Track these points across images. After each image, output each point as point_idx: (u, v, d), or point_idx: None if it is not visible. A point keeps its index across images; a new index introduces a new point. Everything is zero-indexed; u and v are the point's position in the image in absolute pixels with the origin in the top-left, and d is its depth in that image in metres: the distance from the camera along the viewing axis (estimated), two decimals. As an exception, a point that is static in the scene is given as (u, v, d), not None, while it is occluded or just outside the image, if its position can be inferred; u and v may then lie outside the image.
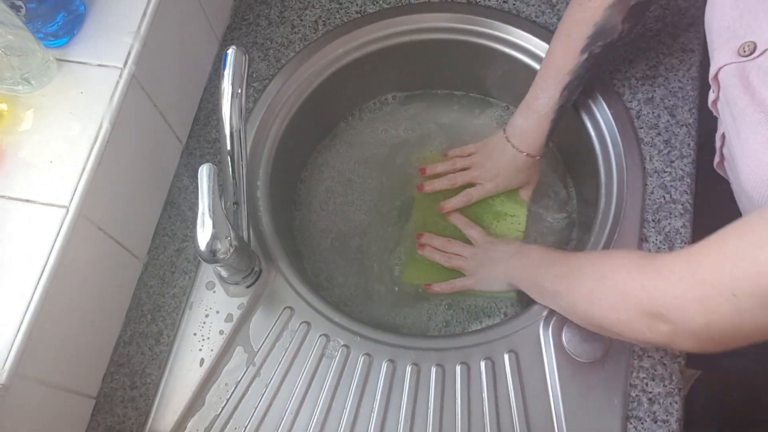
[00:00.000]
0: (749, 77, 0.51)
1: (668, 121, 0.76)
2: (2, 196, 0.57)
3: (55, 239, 0.55)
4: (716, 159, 0.62)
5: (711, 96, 0.58)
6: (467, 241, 0.84)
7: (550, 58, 0.73)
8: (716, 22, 0.56)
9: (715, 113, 0.59)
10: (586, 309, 0.57)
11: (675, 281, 0.47)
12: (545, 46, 0.80)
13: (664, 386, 0.65)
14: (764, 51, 0.49)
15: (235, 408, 0.66)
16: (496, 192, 0.84)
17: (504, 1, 0.84)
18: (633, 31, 0.70)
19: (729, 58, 0.53)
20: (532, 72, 0.81)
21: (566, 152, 0.89)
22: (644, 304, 0.49)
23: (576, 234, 0.85)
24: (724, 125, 0.57)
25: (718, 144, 0.61)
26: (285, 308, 0.70)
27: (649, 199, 0.73)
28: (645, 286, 0.49)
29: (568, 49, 0.70)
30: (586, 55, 0.69)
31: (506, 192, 0.85)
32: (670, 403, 0.65)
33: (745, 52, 0.51)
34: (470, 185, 0.85)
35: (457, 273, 0.82)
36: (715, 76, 0.55)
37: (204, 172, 0.57)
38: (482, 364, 0.67)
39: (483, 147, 0.84)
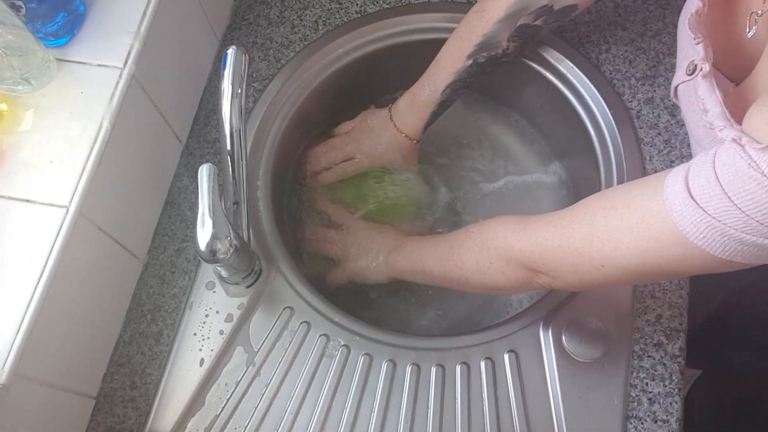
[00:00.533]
0: (695, 94, 0.53)
1: (668, 121, 0.76)
2: (2, 196, 0.57)
3: (55, 239, 0.55)
4: None
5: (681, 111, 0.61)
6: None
7: (442, 54, 0.75)
8: (678, 43, 0.59)
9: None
10: (479, 279, 0.63)
11: (550, 249, 0.54)
12: (544, 44, 0.80)
13: (664, 386, 0.65)
14: (701, 69, 0.52)
15: (235, 408, 0.66)
16: (371, 167, 0.84)
17: (504, 1, 0.84)
18: (520, 52, 0.74)
19: (681, 77, 0.56)
20: (531, 70, 0.82)
21: (566, 152, 0.89)
22: (525, 263, 0.57)
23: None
24: None
25: None
26: (285, 308, 0.70)
27: (649, 199, 0.73)
28: (523, 251, 0.56)
29: (458, 51, 0.73)
30: (471, 62, 0.72)
31: (398, 182, 0.85)
32: (670, 403, 0.65)
33: (690, 70, 0.54)
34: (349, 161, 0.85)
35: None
36: (675, 93, 0.58)
37: (204, 172, 0.57)
38: (482, 364, 0.67)
39: (362, 122, 0.85)
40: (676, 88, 0.58)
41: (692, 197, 0.42)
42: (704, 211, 0.41)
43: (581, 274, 0.53)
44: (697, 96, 0.51)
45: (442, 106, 0.77)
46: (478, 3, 0.71)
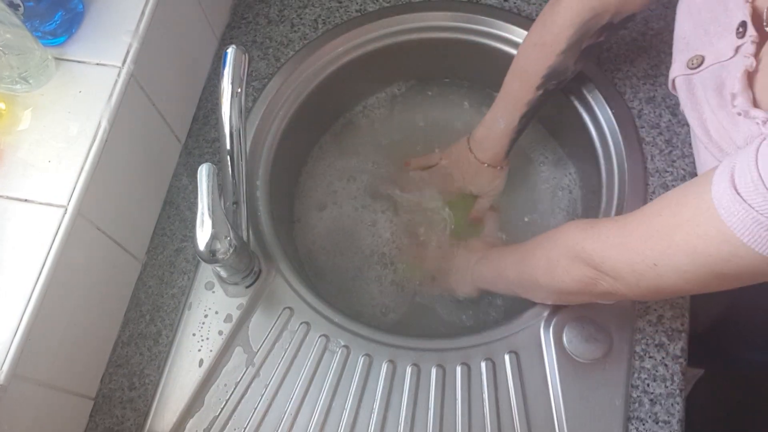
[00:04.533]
0: (694, 90, 0.52)
1: (670, 120, 0.76)
2: (0, 196, 0.57)
3: (54, 239, 0.55)
4: None
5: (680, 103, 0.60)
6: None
7: (508, 88, 0.75)
8: (677, 32, 0.57)
9: None
10: (547, 280, 0.61)
11: (610, 246, 0.53)
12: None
13: (666, 387, 0.65)
14: (709, 65, 0.50)
15: (234, 409, 0.66)
16: (459, 191, 0.88)
17: (505, 0, 0.84)
18: (584, 66, 0.74)
19: (680, 69, 0.54)
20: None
21: (567, 151, 0.89)
22: (589, 261, 0.55)
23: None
24: None
25: None
26: (284, 308, 0.70)
27: (651, 198, 0.72)
28: (586, 248, 0.56)
29: (525, 84, 0.73)
30: (541, 92, 0.73)
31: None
32: (672, 404, 0.65)
33: (693, 64, 0.52)
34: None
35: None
36: (673, 85, 0.57)
37: (203, 172, 0.57)
38: (483, 364, 0.67)
39: (449, 156, 0.87)
40: (672, 81, 0.56)
41: (738, 193, 0.41)
42: (750, 206, 0.40)
43: (636, 273, 0.52)
44: (702, 93, 0.49)
45: (519, 132, 0.79)
46: (533, 33, 0.70)
